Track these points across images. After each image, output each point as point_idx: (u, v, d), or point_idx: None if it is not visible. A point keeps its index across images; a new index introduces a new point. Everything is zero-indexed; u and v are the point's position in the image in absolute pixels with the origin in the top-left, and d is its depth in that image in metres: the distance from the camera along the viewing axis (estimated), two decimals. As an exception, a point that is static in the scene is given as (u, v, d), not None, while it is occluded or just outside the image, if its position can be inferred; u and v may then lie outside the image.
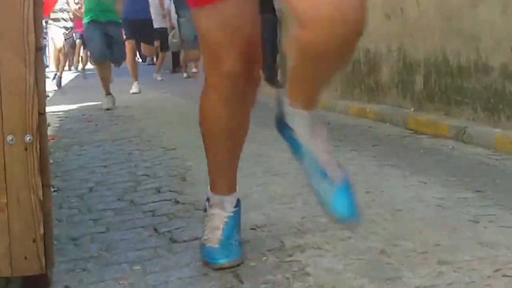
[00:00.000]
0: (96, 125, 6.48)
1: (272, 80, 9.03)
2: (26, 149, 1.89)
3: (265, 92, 9.14)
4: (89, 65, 16.81)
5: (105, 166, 4.16)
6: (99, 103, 8.85)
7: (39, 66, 1.91)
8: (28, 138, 1.88)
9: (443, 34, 5.09)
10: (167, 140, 5.08)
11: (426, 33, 5.31)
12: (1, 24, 1.86)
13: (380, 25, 6.08)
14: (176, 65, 17.22)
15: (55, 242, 2.20)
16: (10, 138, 1.88)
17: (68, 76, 16.57)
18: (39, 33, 1.92)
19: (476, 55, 4.69)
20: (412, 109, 5.57)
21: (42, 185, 1.93)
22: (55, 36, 13.43)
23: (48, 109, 2.04)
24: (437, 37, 5.16)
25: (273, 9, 8.72)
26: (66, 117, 7.23)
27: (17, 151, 1.89)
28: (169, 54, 17.30)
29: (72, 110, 8.11)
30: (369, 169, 3.71)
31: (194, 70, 17.93)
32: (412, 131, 5.11)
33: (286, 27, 7.46)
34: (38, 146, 1.90)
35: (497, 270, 2.04)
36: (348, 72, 6.95)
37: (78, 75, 15.21)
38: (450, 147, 4.39)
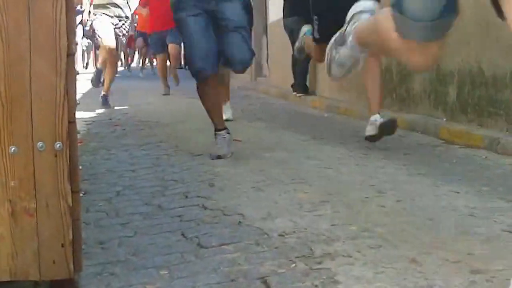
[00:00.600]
0: (123, 129, 6.53)
1: (303, 88, 9.08)
2: (56, 156, 1.91)
3: (293, 99, 9.16)
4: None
5: (132, 171, 4.18)
6: (126, 107, 8.91)
7: (70, 73, 1.93)
8: (58, 145, 1.90)
9: (479, 44, 5.04)
10: (194, 146, 5.09)
11: (461, 43, 5.25)
12: (33, 30, 1.87)
13: (414, 33, 6.05)
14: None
15: (83, 246, 2.22)
16: (40, 145, 1.90)
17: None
18: (72, 38, 1.94)
19: (514, 66, 4.63)
20: (445, 119, 5.53)
21: (72, 192, 1.95)
22: (103, 30, 9.37)
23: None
24: (473, 47, 5.11)
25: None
26: (93, 121, 7.29)
27: (46, 157, 1.91)
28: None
29: (99, 114, 8.17)
30: (400, 178, 3.69)
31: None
32: (444, 141, 5.07)
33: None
34: (68, 153, 1.92)
35: (531, 281, 2.03)
36: (380, 81, 6.93)
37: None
38: (483, 157, 4.35)
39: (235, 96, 10.36)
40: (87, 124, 6.99)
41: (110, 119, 7.53)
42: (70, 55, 1.92)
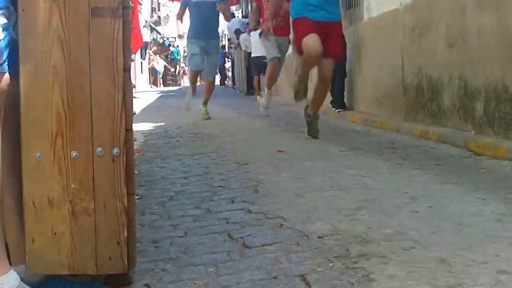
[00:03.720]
0: (177, 141, 6.55)
1: (341, 104, 9.05)
2: (113, 160, 1.92)
3: (333, 114, 9.10)
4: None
5: (184, 178, 4.19)
6: (182, 121, 8.96)
7: (127, 86, 1.95)
8: (115, 151, 1.91)
9: (502, 63, 4.95)
10: (241, 156, 5.09)
11: (486, 62, 5.17)
12: (93, 46, 1.90)
13: (442, 54, 5.98)
14: (250, 88, 17.29)
15: (137, 245, 2.22)
16: (100, 150, 1.91)
17: (153, 96, 16.85)
18: (128, 55, 1.96)
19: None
20: (473, 132, 5.43)
21: (127, 194, 1.96)
22: None
23: (134, 126, 2.07)
24: (498, 66, 5.02)
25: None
26: (150, 134, 7.34)
27: (105, 162, 1.92)
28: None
29: (156, 127, 8.23)
30: (432, 186, 3.62)
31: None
32: (472, 153, 4.97)
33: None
34: (124, 158, 1.93)
35: (555, 282, 1.96)
36: (412, 97, 6.85)
37: (162, 95, 14.91)
38: (509, 167, 4.24)
39: (279, 111, 10.37)
40: (145, 136, 7.04)
41: (166, 132, 7.57)
42: (126, 70, 1.94)
